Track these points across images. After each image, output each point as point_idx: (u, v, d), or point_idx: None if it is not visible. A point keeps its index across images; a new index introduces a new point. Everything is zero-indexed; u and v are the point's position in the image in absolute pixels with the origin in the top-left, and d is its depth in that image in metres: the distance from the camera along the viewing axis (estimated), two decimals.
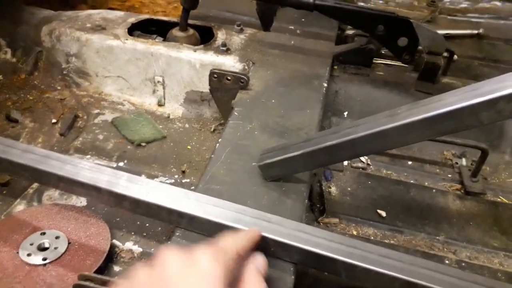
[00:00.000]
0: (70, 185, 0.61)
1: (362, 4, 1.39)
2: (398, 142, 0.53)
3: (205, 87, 0.99)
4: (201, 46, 1.05)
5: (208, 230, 0.56)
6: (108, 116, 1.05)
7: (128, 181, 0.60)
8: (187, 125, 1.06)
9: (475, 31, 1.32)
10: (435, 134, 0.51)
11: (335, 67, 1.07)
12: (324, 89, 0.88)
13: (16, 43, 1.16)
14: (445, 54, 1.06)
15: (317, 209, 0.78)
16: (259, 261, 0.47)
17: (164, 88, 1.07)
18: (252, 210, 0.56)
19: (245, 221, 0.54)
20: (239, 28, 1.11)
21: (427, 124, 0.50)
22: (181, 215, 0.56)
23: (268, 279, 0.47)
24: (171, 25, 1.13)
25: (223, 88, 0.86)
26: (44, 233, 0.64)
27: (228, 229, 0.53)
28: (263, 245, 0.51)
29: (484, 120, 0.47)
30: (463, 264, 0.70)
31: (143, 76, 1.07)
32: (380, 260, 0.50)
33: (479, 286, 0.48)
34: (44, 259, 0.61)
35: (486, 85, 0.48)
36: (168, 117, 1.07)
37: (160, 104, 1.09)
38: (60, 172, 0.60)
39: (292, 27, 1.11)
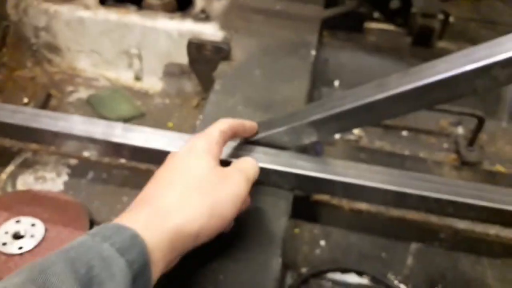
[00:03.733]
0: (66, 140, 0.63)
1: None
2: (388, 114, 0.52)
3: (184, 59, 0.97)
4: (178, 13, 1.02)
5: None
6: (83, 93, 1.04)
7: (124, 130, 0.62)
8: (167, 101, 1.04)
9: None
10: (427, 104, 0.50)
11: (324, 33, 1.06)
12: (313, 57, 0.87)
13: None
14: (440, 16, 1.04)
15: None
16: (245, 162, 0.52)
17: (140, 61, 1.05)
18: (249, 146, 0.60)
19: (243, 154, 0.58)
20: None
21: (419, 94, 0.49)
22: None
23: (266, 205, 0.56)
24: None
25: (203, 60, 0.85)
26: (19, 221, 0.64)
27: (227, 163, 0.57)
28: (263, 176, 0.55)
29: (479, 88, 0.47)
30: (459, 236, 0.71)
31: (118, 49, 1.05)
32: (373, 177, 0.57)
33: (459, 189, 0.56)
34: (20, 248, 0.61)
35: (480, 50, 0.47)
36: (147, 92, 1.06)
37: (137, 79, 1.07)
38: (54, 129, 0.62)
39: None
